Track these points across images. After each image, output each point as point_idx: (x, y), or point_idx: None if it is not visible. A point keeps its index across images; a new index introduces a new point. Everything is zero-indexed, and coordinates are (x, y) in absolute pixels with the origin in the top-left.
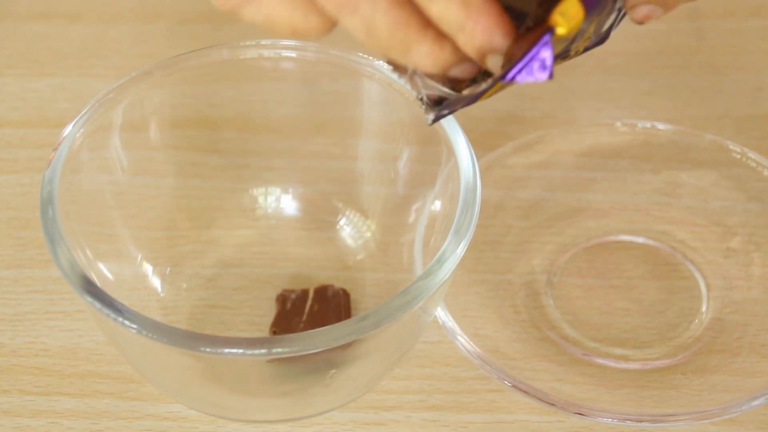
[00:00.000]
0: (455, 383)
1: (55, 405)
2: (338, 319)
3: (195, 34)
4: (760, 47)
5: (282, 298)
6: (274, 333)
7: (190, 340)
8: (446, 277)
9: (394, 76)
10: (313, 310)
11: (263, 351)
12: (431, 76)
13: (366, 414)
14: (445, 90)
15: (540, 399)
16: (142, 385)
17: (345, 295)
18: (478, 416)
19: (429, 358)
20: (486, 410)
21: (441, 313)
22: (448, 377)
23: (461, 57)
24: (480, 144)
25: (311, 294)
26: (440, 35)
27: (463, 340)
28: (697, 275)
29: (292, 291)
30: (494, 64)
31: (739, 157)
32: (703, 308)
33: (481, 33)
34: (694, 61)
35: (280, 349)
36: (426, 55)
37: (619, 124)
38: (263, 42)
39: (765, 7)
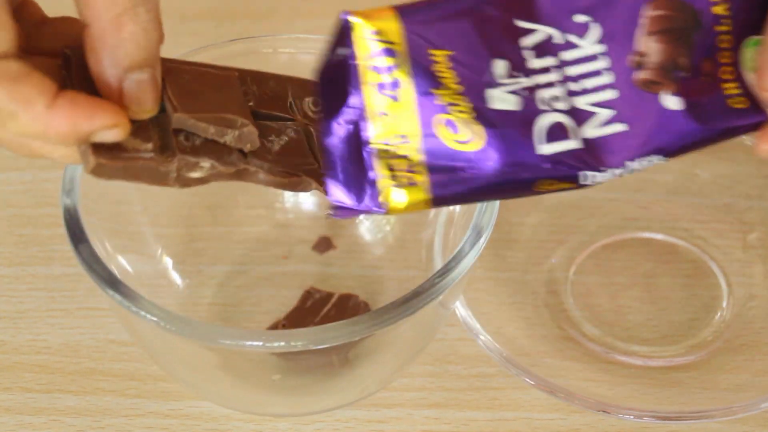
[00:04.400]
0: (457, 381)
1: (56, 402)
2: None
3: (197, 31)
4: None
5: (307, 295)
6: (284, 326)
7: (209, 332)
8: (465, 273)
9: None
10: (329, 314)
11: (282, 344)
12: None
13: (368, 411)
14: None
15: (564, 398)
16: (144, 382)
17: (365, 308)
18: (479, 414)
19: (431, 355)
20: (487, 408)
21: (462, 312)
22: (449, 375)
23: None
24: None
25: (334, 299)
26: None
27: (485, 339)
28: (717, 271)
29: (318, 291)
30: (107, 137)
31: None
32: (724, 304)
33: (62, 128)
34: None
35: (299, 342)
36: (67, 158)
37: None
38: (279, 36)
39: None
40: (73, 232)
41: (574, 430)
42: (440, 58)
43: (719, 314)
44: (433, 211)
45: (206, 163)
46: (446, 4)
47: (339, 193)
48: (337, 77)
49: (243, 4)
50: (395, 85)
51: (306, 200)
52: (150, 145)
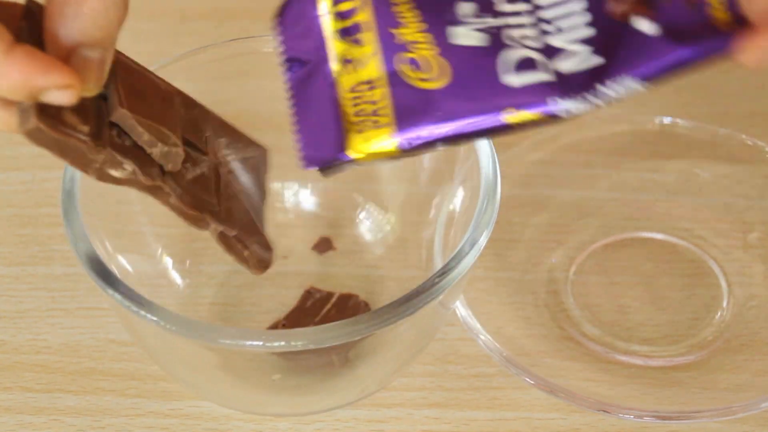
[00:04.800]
0: (457, 381)
1: (57, 402)
2: None
3: (197, 31)
4: None
5: (307, 295)
6: (284, 326)
7: (209, 332)
8: (465, 272)
9: None
10: (329, 314)
11: (282, 344)
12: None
13: (368, 411)
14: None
15: (564, 398)
16: (144, 382)
17: (365, 308)
18: (479, 413)
19: (431, 355)
20: (487, 407)
21: (462, 312)
22: (449, 375)
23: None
24: None
25: (334, 299)
26: (5, 102)
27: (485, 339)
28: (717, 271)
29: (318, 291)
30: (57, 97)
31: (756, 151)
32: (725, 304)
33: (15, 78)
34: None
35: (299, 342)
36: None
37: (635, 119)
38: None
39: None
40: (72, 232)
41: (574, 429)
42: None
43: (719, 314)
44: (433, 211)
45: (129, 167)
46: None
47: (305, 143)
48: (299, 22)
49: (243, 4)
50: (357, 28)
51: (306, 200)
52: (87, 128)
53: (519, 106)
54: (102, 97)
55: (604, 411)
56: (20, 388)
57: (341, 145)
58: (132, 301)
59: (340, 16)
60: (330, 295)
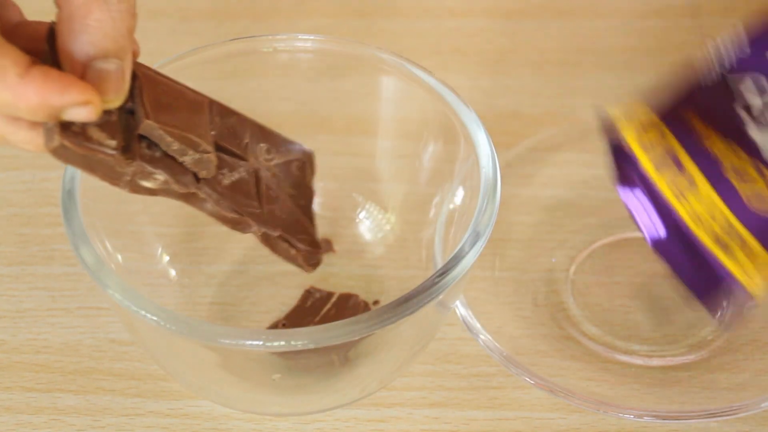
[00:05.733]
0: (457, 380)
1: (57, 402)
2: None
3: (197, 30)
4: None
5: (307, 294)
6: (284, 326)
7: (209, 331)
8: (465, 272)
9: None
10: (329, 314)
11: (282, 343)
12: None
13: (368, 411)
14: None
15: (564, 397)
16: (144, 382)
17: (365, 307)
18: (479, 413)
19: (431, 355)
20: (488, 407)
21: (462, 311)
22: (449, 374)
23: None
24: None
25: (334, 298)
26: (31, 123)
27: (485, 339)
28: None
29: (318, 290)
30: (78, 115)
31: None
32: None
33: (32, 100)
34: (696, 58)
35: (299, 342)
36: (26, 142)
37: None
38: (279, 36)
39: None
40: (73, 232)
41: (574, 429)
42: (704, 131)
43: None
44: (433, 211)
45: (161, 177)
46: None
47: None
48: (624, 163)
49: (243, 4)
50: (681, 167)
51: None
52: (114, 143)
53: None
54: (130, 112)
55: (604, 411)
56: (20, 388)
57: (741, 290)
58: (132, 300)
59: (659, 158)
60: (330, 294)
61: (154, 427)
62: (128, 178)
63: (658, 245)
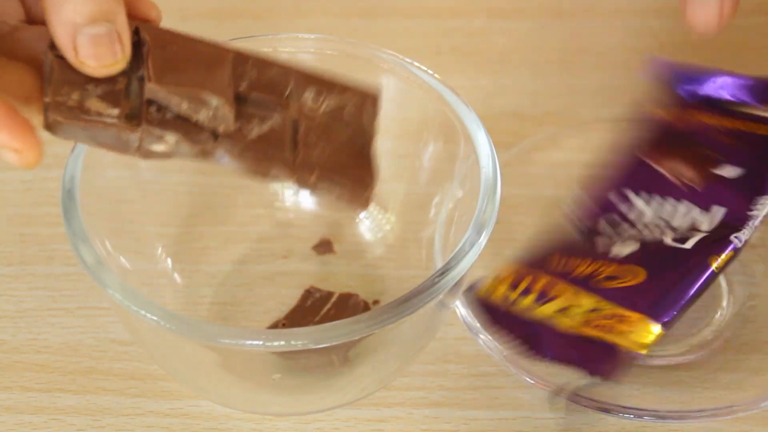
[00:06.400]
0: (457, 380)
1: (57, 402)
2: None
3: (197, 30)
4: (761, 44)
5: (307, 294)
6: (284, 326)
7: (209, 331)
8: (465, 272)
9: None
10: (329, 313)
11: (282, 343)
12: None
13: (367, 411)
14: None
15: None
16: (144, 382)
17: (365, 307)
18: (480, 413)
19: (431, 355)
20: (488, 407)
21: (462, 311)
22: (449, 374)
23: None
24: None
25: (333, 298)
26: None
27: (485, 339)
28: None
29: (318, 290)
30: (7, 158)
31: None
32: (725, 303)
33: None
34: (695, 58)
35: (299, 342)
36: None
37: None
38: (279, 36)
39: (766, 4)
40: (73, 231)
41: (574, 429)
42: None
43: (719, 313)
44: (433, 211)
45: (171, 138)
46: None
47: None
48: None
49: (243, 4)
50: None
51: (306, 200)
52: (116, 111)
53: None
54: (142, 79)
55: (604, 411)
56: (20, 388)
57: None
58: (132, 300)
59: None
60: (330, 294)
61: (154, 427)
62: (136, 144)
63: (549, 356)
